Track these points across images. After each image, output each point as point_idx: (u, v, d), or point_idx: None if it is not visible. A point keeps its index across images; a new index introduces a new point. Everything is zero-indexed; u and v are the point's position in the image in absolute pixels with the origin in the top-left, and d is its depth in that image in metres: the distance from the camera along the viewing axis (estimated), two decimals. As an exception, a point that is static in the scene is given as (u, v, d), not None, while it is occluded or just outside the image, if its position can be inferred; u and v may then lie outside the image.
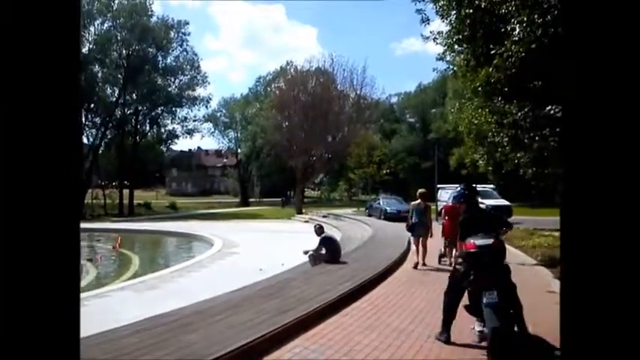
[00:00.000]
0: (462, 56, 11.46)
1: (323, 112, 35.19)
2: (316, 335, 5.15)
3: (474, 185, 5.63)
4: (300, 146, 36.66)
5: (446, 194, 21.78)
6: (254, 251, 16.12)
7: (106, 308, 8.20)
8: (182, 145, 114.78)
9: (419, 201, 10.32)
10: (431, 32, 11.92)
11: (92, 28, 42.14)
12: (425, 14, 11.88)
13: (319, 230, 10.78)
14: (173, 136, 49.55)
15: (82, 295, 9.58)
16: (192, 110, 49.52)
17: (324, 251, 10.28)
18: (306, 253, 10.65)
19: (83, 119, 42.79)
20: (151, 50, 44.34)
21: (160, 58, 45.83)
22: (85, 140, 43.62)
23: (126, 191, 45.42)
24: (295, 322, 5.32)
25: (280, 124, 39.93)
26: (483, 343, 4.59)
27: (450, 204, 11.21)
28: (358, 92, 37.98)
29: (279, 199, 53.86)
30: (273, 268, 11.45)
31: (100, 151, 46.30)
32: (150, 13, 43.74)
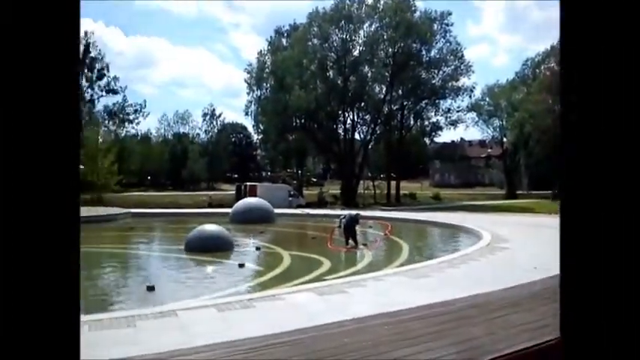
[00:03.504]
0: None
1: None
2: (614, 349, 4.52)
3: None
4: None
5: None
6: (526, 247, 15.10)
7: (382, 291, 8.88)
8: (445, 136, 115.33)
9: None
10: None
11: (361, 32, 45.98)
12: None
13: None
14: (437, 128, 50.47)
15: (360, 276, 10.59)
16: (455, 101, 49.43)
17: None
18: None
19: (355, 117, 47.32)
20: (415, 45, 45.72)
21: (423, 52, 46.90)
22: (356, 136, 48.28)
23: (393, 182, 48.49)
24: (587, 331, 4.79)
25: (552, 107, 36.36)
26: None
27: None
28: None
29: (550, 192, 49.01)
30: (549, 267, 10.47)
31: (370, 146, 50.43)
32: (413, 8, 45.21)
